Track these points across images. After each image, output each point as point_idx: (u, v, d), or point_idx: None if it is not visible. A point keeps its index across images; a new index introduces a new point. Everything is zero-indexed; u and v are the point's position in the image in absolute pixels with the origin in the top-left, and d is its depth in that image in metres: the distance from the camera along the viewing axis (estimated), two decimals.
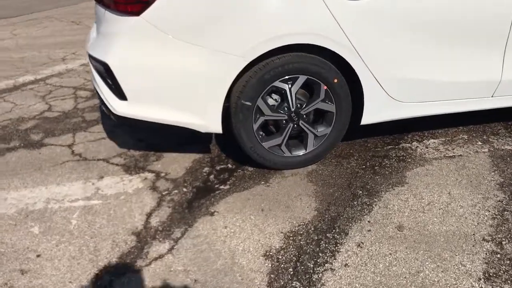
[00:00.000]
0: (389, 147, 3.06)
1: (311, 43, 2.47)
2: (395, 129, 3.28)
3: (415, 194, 2.51)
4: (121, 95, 2.56)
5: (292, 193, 2.57)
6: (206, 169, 2.86)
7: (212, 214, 2.41)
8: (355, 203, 2.46)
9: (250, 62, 2.46)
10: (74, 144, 3.25)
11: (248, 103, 2.56)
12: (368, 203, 2.45)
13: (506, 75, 2.83)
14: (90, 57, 2.65)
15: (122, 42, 2.47)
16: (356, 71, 2.59)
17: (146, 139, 3.27)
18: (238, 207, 2.46)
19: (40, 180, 2.77)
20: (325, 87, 2.62)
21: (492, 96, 2.91)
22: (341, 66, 2.60)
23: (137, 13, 2.39)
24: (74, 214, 2.43)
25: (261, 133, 2.72)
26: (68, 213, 2.44)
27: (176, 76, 2.47)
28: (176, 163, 2.93)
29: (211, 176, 2.77)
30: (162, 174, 2.81)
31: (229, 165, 2.90)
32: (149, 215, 2.41)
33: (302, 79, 2.57)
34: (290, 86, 2.59)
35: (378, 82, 2.65)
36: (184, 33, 2.40)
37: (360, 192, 2.56)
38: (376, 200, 2.47)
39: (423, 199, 2.47)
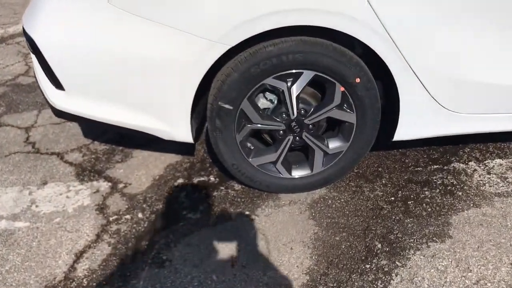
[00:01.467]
0: (435, 167, 2.20)
1: (321, 24, 1.63)
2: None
3: (459, 260, 1.69)
4: (56, 83, 1.86)
5: (282, 237, 1.82)
6: (179, 181, 2.15)
7: (161, 264, 1.72)
8: (368, 266, 1.68)
9: (231, 49, 1.66)
10: (33, 126, 2.62)
11: (227, 106, 1.78)
12: (386, 269, 1.67)
13: None
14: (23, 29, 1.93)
15: (54, 12, 1.73)
16: (390, 67, 1.74)
17: None
18: (200, 257, 1.75)
19: None
20: (342, 89, 1.78)
21: None
22: (367, 57, 1.76)
23: None
24: None
25: (248, 145, 1.95)
26: None
27: (127, 63, 1.72)
28: (144, 168, 2.24)
29: (182, 194, 2.06)
30: (120, 186, 2.13)
31: (211, 178, 2.17)
32: (78, 257, 1.76)
33: (307, 76, 1.75)
34: (289, 85, 1.77)
35: (422, 84, 1.78)
36: (136, 3, 1.62)
37: (379, 246, 1.77)
38: (399, 264, 1.68)
39: (470, 271, 1.65)
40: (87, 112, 1.88)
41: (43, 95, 1.99)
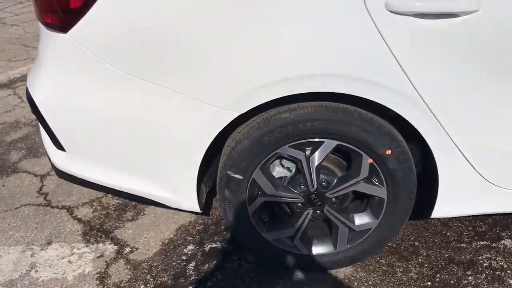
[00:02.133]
0: (482, 243, 1.90)
1: (344, 91, 1.40)
2: None
3: None
4: (57, 144, 1.72)
5: None
6: (189, 247, 1.95)
7: None
8: None
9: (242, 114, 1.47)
10: (49, 174, 2.51)
11: (237, 175, 1.58)
12: None
13: None
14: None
15: (54, 72, 1.60)
16: (427, 140, 1.48)
17: None
18: None
19: None
20: (370, 160, 1.54)
21: None
22: (399, 121, 1.51)
23: (63, 28, 1.49)
24: None
25: (262, 217, 1.73)
26: None
27: (128, 127, 1.56)
28: (154, 230, 2.06)
29: (191, 265, 1.86)
30: (127, 250, 1.96)
31: (224, 245, 1.96)
32: None
33: (329, 145, 1.52)
34: (308, 154, 1.55)
35: (465, 158, 1.52)
36: (135, 64, 1.46)
37: None
38: None
39: None
40: (88, 175, 1.74)
41: (46, 153, 1.87)
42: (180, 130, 1.51)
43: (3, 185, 2.44)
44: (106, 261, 1.90)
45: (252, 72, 1.39)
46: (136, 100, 1.50)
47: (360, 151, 1.52)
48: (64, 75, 1.57)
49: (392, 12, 1.30)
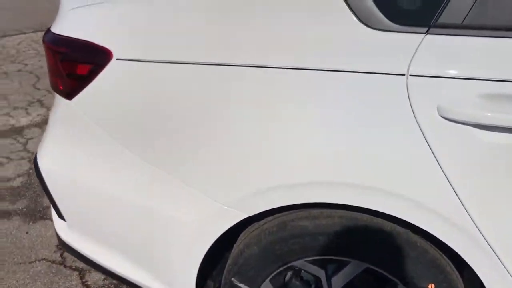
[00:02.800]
0: None
1: (380, 209, 1.11)
2: None
3: None
4: (58, 212, 1.57)
5: None
6: None
7: None
8: None
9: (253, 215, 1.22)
10: None
11: (242, 285, 1.32)
12: None
13: None
14: None
15: (54, 137, 1.46)
16: (478, 272, 1.14)
17: None
18: None
19: None
20: None
21: None
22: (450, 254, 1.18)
23: (68, 94, 1.34)
24: None
25: None
26: None
27: (127, 209, 1.37)
28: None
29: None
30: None
31: None
32: None
33: (356, 267, 1.22)
34: (329, 273, 1.26)
35: None
36: (135, 142, 1.27)
37: None
38: None
39: None
40: (84, 251, 1.56)
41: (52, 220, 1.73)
42: (181, 224, 1.29)
43: (27, 232, 2.34)
44: None
45: (265, 172, 1.14)
46: (133, 181, 1.31)
47: (395, 280, 1.20)
48: (66, 143, 1.42)
49: (446, 119, 1.00)
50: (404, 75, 1.01)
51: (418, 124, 1.02)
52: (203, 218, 1.24)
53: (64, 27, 1.34)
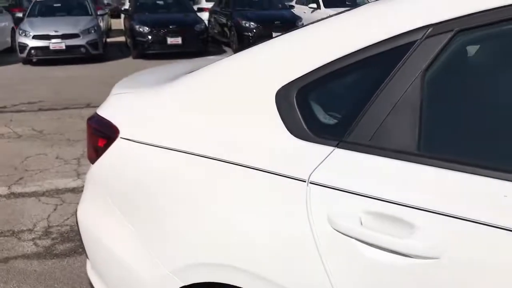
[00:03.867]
0: None
1: None
2: None
3: None
4: (86, 254, 1.91)
5: None
6: None
7: None
8: None
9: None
10: None
11: None
12: None
13: None
14: None
15: (85, 195, 1.83)
16: None
17: None
18: None
19: None
20: None
21: None
22: None
23: (92, 161, 1.70)
24: None
25: None
26: None
27: (117, 264, 1.64)
28: None
29: None
30: None
31: None
32: None
33: None
34: None
35: None
36: (124, 207, 1.57)
37: None
38: None
39: None
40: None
41: None
42: (145, 279, 1.51)
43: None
44: None
45: (191, 246, 1.33)
46: (122, 239, 1.58)
47: None
48: (90, 202, 1.76)
49: (334, 228, 1.10)
50: (305, 181, 1.15)
51: (311, 229, 1.13)
52: (152, 281, 1.45)
53: (102, 108, 1.73)
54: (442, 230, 0.99)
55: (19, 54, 10.62)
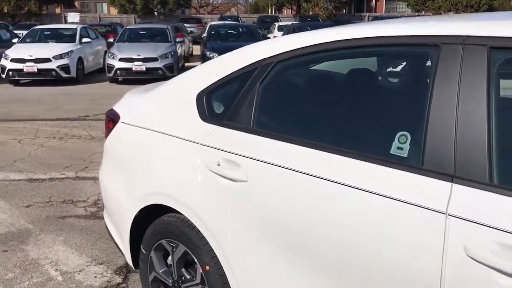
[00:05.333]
0: None
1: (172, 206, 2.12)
2: None
3: None
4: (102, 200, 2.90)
5: None
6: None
7: None
8: None
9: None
10: None
11: (144, 251, 2.39)
12: None
13: None
14: None
15: (103, 161, 2.84)
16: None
17: None
18: None
19: None
20: (201, 271, 2.11)
21: None
22: None
23: (106, 137, 2.71)
24: None
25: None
26: None
27: (114, 198, 2.61)
28: None
29: None
30: None
31: None
32: None
33: (181, 249, 2.19)
34: (173, 250, 2.24)
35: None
36: (119, 166, 2.55)
37: None
38: None
39: None
40: (111, 230, 2.80)
41: None
42: (125, 208, 2.46)
43: None
44: None
45: (144, 182, 2.27)
46: (120, 185, 2.55)
47: (196, 261, 2.12)
48: (104, 164, 2.76)
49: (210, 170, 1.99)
50: (198, 144, 2.05)
51: (199, 175, 2.03)
52: (130, 201, 2.39)
53: (115, 105, 2.74)
54: None
55: (107, 73, 12.34)
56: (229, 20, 28.31)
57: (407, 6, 39.74)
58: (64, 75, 11.95)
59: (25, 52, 11.86)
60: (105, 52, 14.05)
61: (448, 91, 1.43)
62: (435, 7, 36.69)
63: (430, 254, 1.36)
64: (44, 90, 11.05)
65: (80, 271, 3.06)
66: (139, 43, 13.11)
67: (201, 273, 2.11)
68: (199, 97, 2.18)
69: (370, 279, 1.52)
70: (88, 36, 13.71)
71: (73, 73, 12.10)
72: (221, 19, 31.18)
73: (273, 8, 45.46)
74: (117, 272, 3.04)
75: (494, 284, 1.25)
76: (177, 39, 14.12)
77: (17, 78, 11.91)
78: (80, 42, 13.00)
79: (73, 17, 31.54)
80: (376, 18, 33.02)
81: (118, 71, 12.08)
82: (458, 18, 1.71)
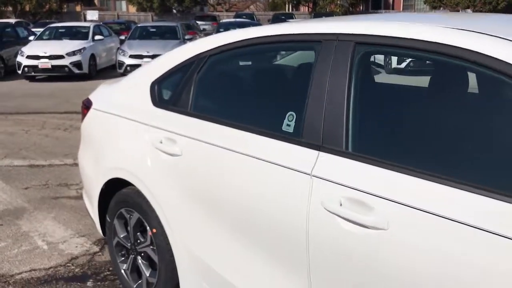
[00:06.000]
0: None
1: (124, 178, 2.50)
2: None
3: None
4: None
5: None
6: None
7: None
8: None
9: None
10: None
11: (108, 219, 2.77)
12: None
13: None
14: None
15: (81, 143, 3.24)
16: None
17: None
18: None
19: None
20: (150, 234, 2.48)
21: None
22: None
23: (82, 121, 3.10)
24: None
25: (122, 252, 2.80)
26: None
27: (86, 174, 3.00)
28: None
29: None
30: None
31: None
32: None
33: (135, 216, 2.56)
34: (130, 218, 2.61)
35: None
36: (90, 145, 2.94)
37: None
38: None
39: None
40: (86, 204, 3.21)
41: None
42: (95, 179, 2.84)
43: None
44: None
45: (107, 159, 2.65)
46: (91, 161, 2.95)
47: (147, 225, 2.49)
48: (81, 145, 3.16)
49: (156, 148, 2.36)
50: (147, 125, 2.42)
51: (148, 152, 2.40)
52: (98, 177, 2.78)
53: (92, 92, 3.13)
54: None
55: (117, 70, 12.83)
56: (244, 18, 28.78)
57: (425, 3, 39.58)
58: (76, 71, 12.48)
59: (40, 49, 12.42)
60: (118, 49, 14.55)
61: (322, 78, 1.77)
62: (453, 4, 36.46)
63: (299, 206, 1.71)
64: (57, 86, 11.57)
65: (64, 242, 3.46)
66: (149, 40, 13.58)
67: (150, 235, 2.48)
68: (152, 86, 2.55)
69: (259, 230, 1.88)
70: (101, 34, 14.23)
71: (85, 69, 12.62)
72: (236, 16, 31.56)
73: (290, 5, 45.69)
74: (96, 243, 3.43)
75: (340, 229, 1.59)
76: (188, 36, 14.52)
77: (32, 74, 12.48)
78: (93, 40, 13.53)
79: (92, 15, 32.23)
80: None
81: (128, 67, 12.52)
82: (351, 19, 2.04)
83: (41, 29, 15.57)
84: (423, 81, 2.16)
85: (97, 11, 34.65)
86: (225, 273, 2.11)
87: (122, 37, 15.52)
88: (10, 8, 33.39)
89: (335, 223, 1.60)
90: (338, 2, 38.09)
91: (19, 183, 4.70)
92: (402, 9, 42.51)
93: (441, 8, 37.24)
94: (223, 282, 2.11)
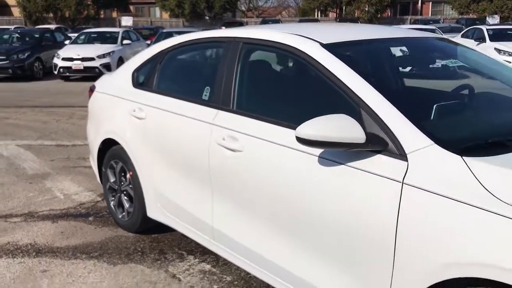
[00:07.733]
0: None
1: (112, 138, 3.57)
2: None
3: None
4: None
5: None
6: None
7: None
8: None
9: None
10: None
11: (103, 170, 3.86)
12: None
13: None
14: None
15: (88, 118, 4.34)
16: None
17: None
18: None
19: None
20: (128, 176, 3.55)
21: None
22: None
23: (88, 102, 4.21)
24: None
25: (112, 194, 3.87)
26: None
27: (90, 140, 4.09)
28: None
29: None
30: None
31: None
32: None
33: (120, 165, 3.63)
34: (116, 166, 3.69)
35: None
36: (93, 119, 4.03)
37: None
38: None
39: None
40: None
41: None
42: (96, 139, 3.93)
43: None
44: None
45: (103, 126, 3.74)
46: (92, 130, 4.04)
47: (127, 170, 3.55)
48: (88, 120, 4.26)
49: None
50: (128, 100, 3.50)
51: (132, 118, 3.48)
52: (98, 133, 3.86)
53: (98, 79, 4.24)
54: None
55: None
56: (269, 23, 29.93)
57: (452, 9, 39.81)
58: (106, 72, 13.79)
59: (74, 52, 13.84)
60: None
61: (224, 64, 2.80)
62: (479, 10, 36.60)
63: (204, 144, 2.74)
64: (88, 85, 12.87)
65: (76, 194, 4.58)
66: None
67: (129, 178, 3.55)
68: (133, 73, 3.62)
69: (187, 166, 2.92)
70: (129, 38, 15.60)
71: (114, 71, 13.94)
72: (263, 22, 32.77)
73: (319, 12, 46.62)
74: (99, 195, 4.53)
75: (223, 154, 2.63)
76: (148, 42, 15.88)
77: (67, 74, 13.91)
78: (122, 44, 14.89)
79: (127, 21, 33.97)
80: (416, 22, 33.51)
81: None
82: (248, 28, 3.06)
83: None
84: None
85: (132, 17, 36.43)
86: (175, 199, 3.15)
87: (148, 42, 16.83)
88: (51, 15, 35.61)
89: (221, 151, 2.63)
90: (366, 8, 38.78)
91: (47, 156, 5.88)
92: (430, 14, 42.78)
93: (470, 14, 37.41)
94: (174, 205, 3.16)
